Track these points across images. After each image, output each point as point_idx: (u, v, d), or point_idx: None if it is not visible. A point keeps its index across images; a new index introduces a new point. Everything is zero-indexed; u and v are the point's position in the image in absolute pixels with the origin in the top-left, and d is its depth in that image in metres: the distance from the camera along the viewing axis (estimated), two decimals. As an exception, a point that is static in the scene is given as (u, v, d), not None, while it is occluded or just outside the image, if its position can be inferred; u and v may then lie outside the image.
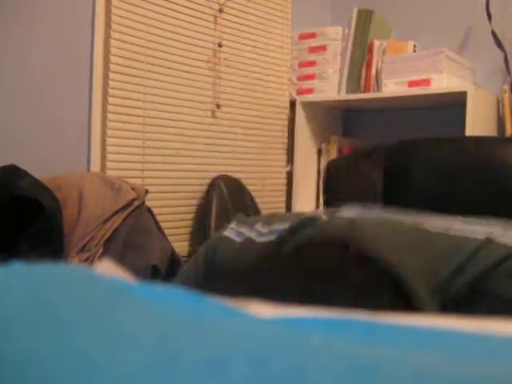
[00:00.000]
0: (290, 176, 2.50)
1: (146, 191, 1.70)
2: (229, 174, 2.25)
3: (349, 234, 0.51)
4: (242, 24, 2.32)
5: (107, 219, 1.53)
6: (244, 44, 2.33)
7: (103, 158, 1.93)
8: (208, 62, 2.17)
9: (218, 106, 2.23)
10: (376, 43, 2.27)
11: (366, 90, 2.29)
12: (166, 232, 1.75)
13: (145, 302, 0.19)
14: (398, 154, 1.18)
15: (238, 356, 0.15)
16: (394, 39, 2.35)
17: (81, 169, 1.87)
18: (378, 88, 2.24)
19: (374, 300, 0.42)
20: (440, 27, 2.32)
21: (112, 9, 1.92)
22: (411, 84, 2.10)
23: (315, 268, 0.44)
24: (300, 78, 2.47)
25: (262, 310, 0.20)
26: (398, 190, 1.11)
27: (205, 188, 2.17)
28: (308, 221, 0.57)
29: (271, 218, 0.62)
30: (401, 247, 0.49)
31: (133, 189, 1.64)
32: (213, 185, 2.14)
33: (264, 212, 2.27)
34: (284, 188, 2.52)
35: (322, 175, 2.41)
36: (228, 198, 2.12)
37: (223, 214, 2.06)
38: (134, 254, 1.54)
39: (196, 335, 0.16)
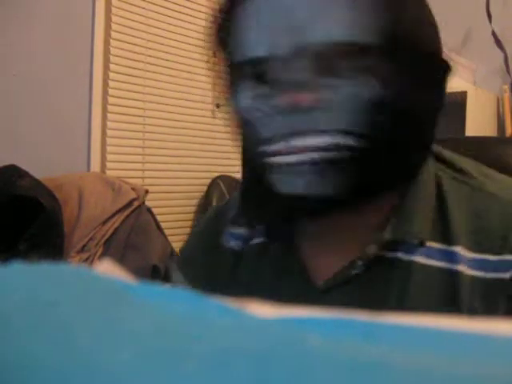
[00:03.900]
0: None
1: (146, 191, 1.70)
2: (229, 174, 2.25)
3: None
4: (241, 24, 2.32)
5: (107, 219, 1.53)
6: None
7: (103, 158, 1.93)
8: (208, 61, 2.17)
9: (218, 106, 2.22)
10: (376, 43, 2.27)
11: (366, 90, 2.29)
12: (166, 232, 1.75)
13: (145, 301, 0.19)
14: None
15: (237, 356, 0.15)
16: (394, 39, 2.34)
17: (81, 169, 1.87)
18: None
19: None
20: (440, 27, 2.32)
21: (112, 9, 1.92)
22: (411, 84, 2.10)
23: None
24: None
25: (262, 310, 0.20)
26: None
27: (205, 188, 2.17)
28: None
29: None
30: None
31: (133, 189, 1.64)
32: (213, 185, 2.14)
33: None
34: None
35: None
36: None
37: (223, 214, 2.06)
38: (134, 253, 1.54)
39: (196, 335, 0.16)
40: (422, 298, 0.49)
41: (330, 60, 0.45)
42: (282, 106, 0.46)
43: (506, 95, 2.07)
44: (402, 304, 0.49)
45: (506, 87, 2.08)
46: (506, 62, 2.11)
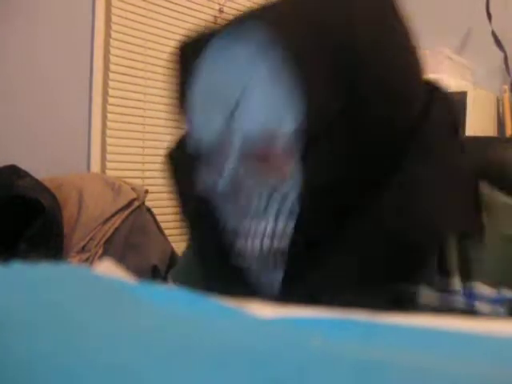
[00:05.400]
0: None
1: (146, 191, 1.70)
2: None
3: None
4: (241, 24, 2.32)
5: (107, 219, 1.53)
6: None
7: (103, 158, 1.93)
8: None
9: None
10: (376, 43, 2.27)
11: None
12: (166, 232, 1.75)
13: (145, 302, 0.19)
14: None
15: (238, 356, 0.15)
16: (394, 39, 2.34)
17: (81, 169, 1.87)
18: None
19: None
20: (440, 27, 2.32)
21: (112, 9, 1.92)
22: (411, 84, 2.10)
23: None
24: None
25: (262, 310, 0.20)
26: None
27: (205, 188, 2.16)
28: None
29: None
30: None
31: (133, 189, 1.64)
32: (213, 185, 2.14)
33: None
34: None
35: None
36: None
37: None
38: (134, 253, 1.54)
39: (196, 335, 0.16)
40: None
41: (259, 149, 0.43)
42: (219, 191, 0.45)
43: (506, 95, 2.07)
44: None
45: (506, 87, 2.08)
46: (505, 62, 2.11)
